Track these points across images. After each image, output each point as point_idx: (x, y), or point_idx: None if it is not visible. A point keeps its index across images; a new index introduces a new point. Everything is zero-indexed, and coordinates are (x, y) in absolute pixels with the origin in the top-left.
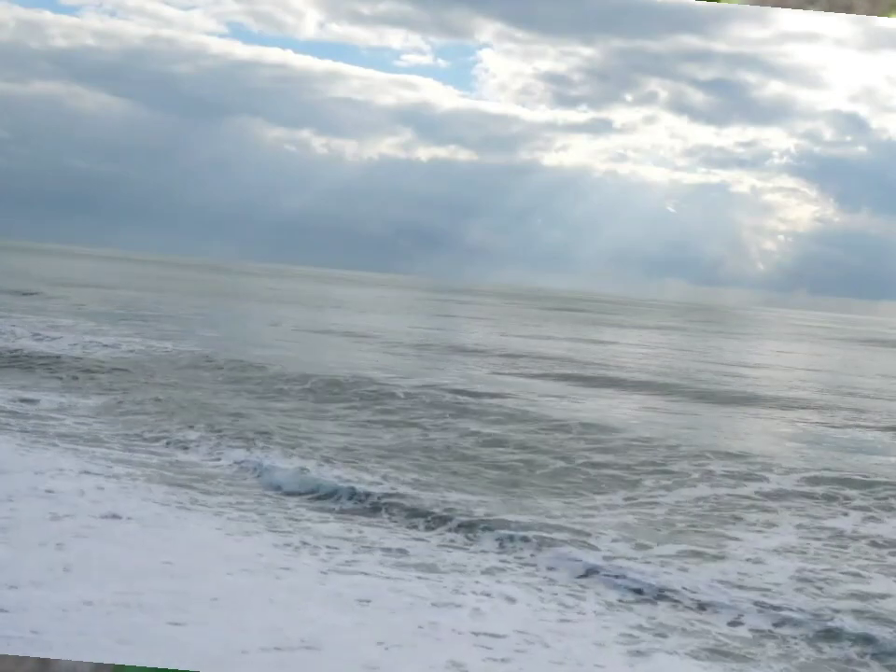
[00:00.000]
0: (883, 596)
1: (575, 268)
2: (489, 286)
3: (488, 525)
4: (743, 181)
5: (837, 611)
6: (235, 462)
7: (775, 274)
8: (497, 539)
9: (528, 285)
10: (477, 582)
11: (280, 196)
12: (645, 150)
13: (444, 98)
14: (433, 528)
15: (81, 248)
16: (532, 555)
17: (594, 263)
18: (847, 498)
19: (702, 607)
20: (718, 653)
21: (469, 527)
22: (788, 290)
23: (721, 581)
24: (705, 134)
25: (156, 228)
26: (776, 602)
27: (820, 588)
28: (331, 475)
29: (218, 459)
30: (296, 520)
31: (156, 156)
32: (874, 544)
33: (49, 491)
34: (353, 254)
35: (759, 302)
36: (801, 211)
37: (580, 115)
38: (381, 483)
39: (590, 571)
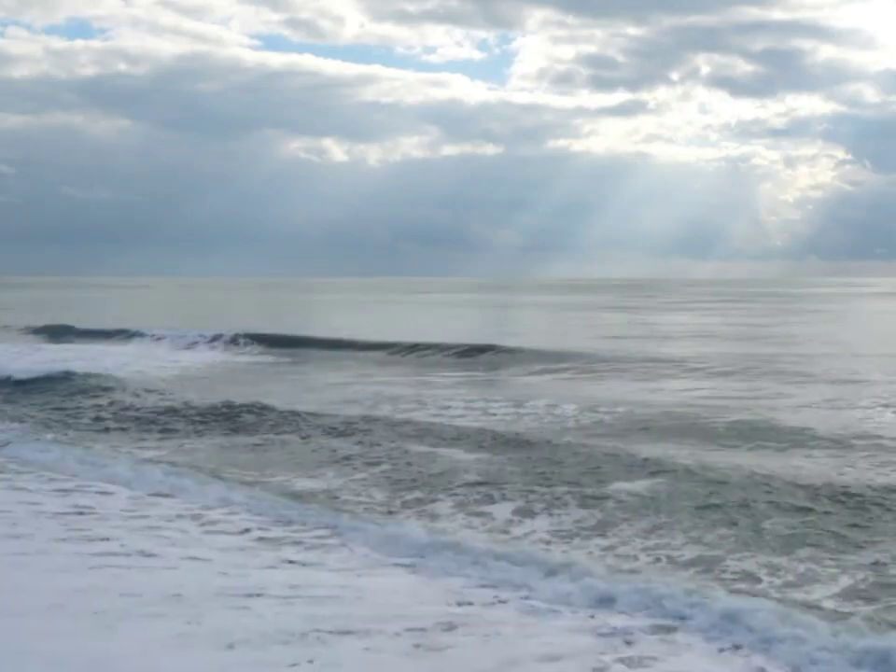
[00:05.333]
0: None
1: (618, 256)
2: (547, 279)
3: None
4: (782, 152)
5: None
6: None
7: (821, 246)
8: None
9: (584, 276)
10: None
11: (310, 208)
12: (682, 129)
13: (473, 93)
14: None
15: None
16: None
17: (640, 247)
18: None
19: None
20: None
21: None
22: (838, 259)
23: None
24: (745, 108)
25: (188, 250)
26: None
27: None
28: None
29: None
30: None
31: (172, 176)
32: None
33: None
34: (388, 260)
35: (826, 273)
36: (844, 178)
37: (618, 97)
38: None
39: None
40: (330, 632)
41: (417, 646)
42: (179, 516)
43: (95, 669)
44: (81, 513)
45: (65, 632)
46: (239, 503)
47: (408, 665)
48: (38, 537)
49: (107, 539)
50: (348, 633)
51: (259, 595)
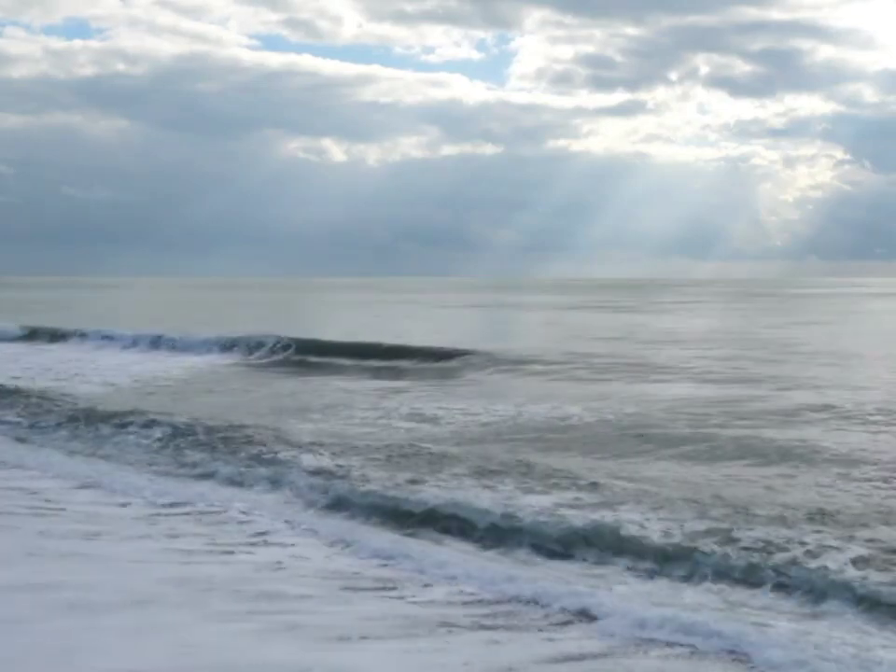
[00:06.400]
0: None
1: (618, 256)
2: (547, 279)
3: None
4: (782, 152)
5: None
6: None
7: (821, 246)
8: None
9: (584, 276)
10: None
11: (310, 208)
12: (681, 129)
13: (472, 93)
14: None
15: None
16: None
17: (640, 247)
18: None
19: None
20: None
21: None
22: (838, 259)
23: None
24: (744, 108)
25: (181, 250)
26: None
27: None
28: None
29: None
30: None
31: (172, 176)
32: None
33: None
34: (388, 260)
35: (826, 273)
36: (843, 178)
37: (617, 97)
38: None
39: None
40: (464, 627)
41: (550, 640)
42: (254, 522)
43: (198, 659)
44: (159, 514)
45: (161, 624)
46: (325, 506)
47: (536, 653)
48: (121, 533)
49: (194, 536)
50: (482, 628)
51: (378, 590)
